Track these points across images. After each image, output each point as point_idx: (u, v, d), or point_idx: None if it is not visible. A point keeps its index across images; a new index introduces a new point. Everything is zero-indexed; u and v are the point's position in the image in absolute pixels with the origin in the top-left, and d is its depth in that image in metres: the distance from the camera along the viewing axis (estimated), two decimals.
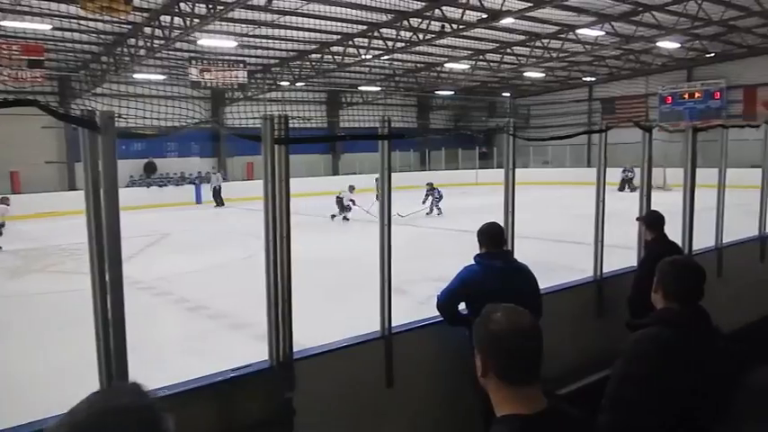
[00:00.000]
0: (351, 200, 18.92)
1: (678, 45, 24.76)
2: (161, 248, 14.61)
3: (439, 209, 19.94)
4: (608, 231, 5.15)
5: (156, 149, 28.02)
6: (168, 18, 16.61)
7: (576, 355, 4.51)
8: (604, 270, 5.17)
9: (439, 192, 20.20)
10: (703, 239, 6.21)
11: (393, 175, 3.64)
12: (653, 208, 5.27)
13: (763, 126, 6.96)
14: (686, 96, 30.53)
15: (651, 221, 4.94)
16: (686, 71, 30.69)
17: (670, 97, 31.04)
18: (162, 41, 17.71)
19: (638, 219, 5.24)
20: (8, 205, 16.01)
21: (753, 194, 7.23)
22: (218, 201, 25.39)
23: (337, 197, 19.27)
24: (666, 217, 4.99)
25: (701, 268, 2.50)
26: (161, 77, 23.29)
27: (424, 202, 20.05)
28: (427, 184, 20.54)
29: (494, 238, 3.82)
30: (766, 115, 24.68)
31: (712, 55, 27.43)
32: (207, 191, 26.78)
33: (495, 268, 3.70)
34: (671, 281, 2.43)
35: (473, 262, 3.80)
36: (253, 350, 3.33)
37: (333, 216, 19.09)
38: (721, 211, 6.36)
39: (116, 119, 2.51)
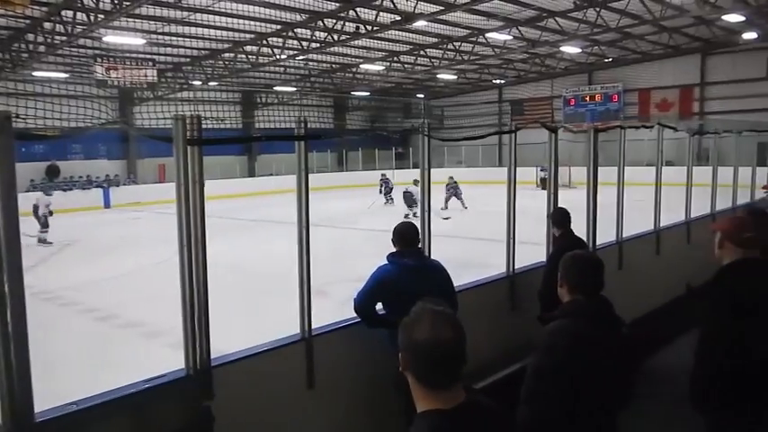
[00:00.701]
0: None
1: (579, 50, 26.16)
2: (67, 256, 13.83)
3: (446, 207, 19.48)
4: (521, 228, 5.36)
5: (59, 151, 26.45)
6: (70, 13, 15.73)
7: (492, 348, 4.67)
8: (517, 266, 5.38)
9: (458, 188, 20.61)
10: (608, 234, 6.58)
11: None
12: (560, 205, 5.53)
13: (656, 127, 7.47)
14: (587, 99, 32.30)
15: (557, 218, 5.19)
16: (587, 75, 32.46)
17: (573, 99, 32.74)
18: (64, 37, 16.75)
19: (549, 216, 5.46)
20: (50, 195, 15.60)
21: (649, 191, 7.72)
22: None
23: (405, 192, 18.65)
24: (572, 213, 5.25)
25: (599, 261, 2.65)
26: (63, 75, 22.00)
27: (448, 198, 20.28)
28: (449, 178, 20.77)
29: (405, 237, 3.87)
30: (659, 117, 26.53)
31: (610, 60, 29.14)
32: (117, 194, 25.60)
33: (408, 266, 3.75)
34: (573, 275, 2.56)
35: (386, 261, 3.85)
36: (169, 359, 3.23)
37: (414, 214, 17.25)
38: (621, 208, 6.75)
39: (13, 119, 2.37)
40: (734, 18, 20.36)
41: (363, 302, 3.78)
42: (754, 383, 2.77)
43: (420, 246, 4.11)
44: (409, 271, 3.73)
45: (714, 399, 2.83)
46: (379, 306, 3.83)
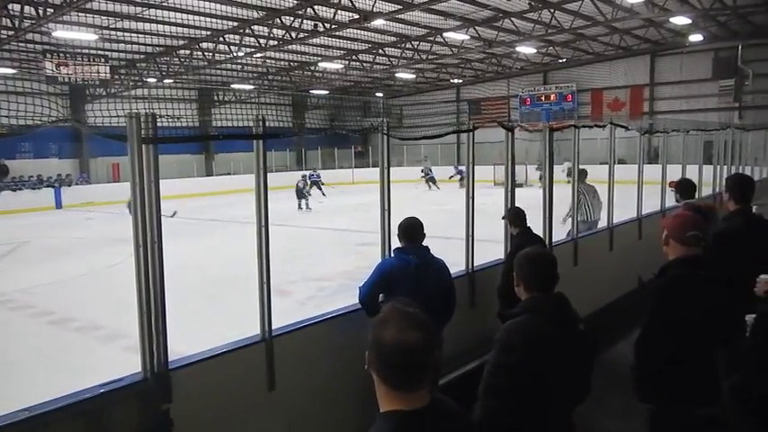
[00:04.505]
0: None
1: (534, 50, 26.65)
2: (18, 257, 13.35)
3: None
4: (478, 226, 5.41)
5: (7, 150, 25.54)
6: (18, 6, 15.17)
7: (452, 345, 4.72)
8: (476, 263, 5.44)
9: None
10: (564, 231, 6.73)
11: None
12: (517, 203, 5.61)
13: (609, 126, 7.66)
14: (543, 98, 32.93)
15: (513, 217, 5.27)
16: (542, 75, 33.09)
17: (529, 99, 33.33)
18: (11, 32, 16.14)
19: (503, 217, 5.54)
20: None
21: (602, 189, 7.93)
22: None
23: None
24: (529, 211, 5.35)
25: (551, 257, 2.71)
26: (11, 71, 21.23)
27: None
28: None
29: (407, 233, 3.95)
30: (611, 116, 27.26)
31: (564, 60, 29.77)
32: (68, 194, 24.85)
33: (411, 263, 3.84)
34: (527, 272, 2.60)
35: (392, 255, 4.02)
36: (126, 362, 3.16)
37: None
38: (575, 205, 6.91)
39: None
40: (681, 21, 21.08)
41: (367, 295, 3.87)
42: (693, 373, 2.91)
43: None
44: (413, 267, 3.82)
45: (656, 388, 2.95)
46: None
